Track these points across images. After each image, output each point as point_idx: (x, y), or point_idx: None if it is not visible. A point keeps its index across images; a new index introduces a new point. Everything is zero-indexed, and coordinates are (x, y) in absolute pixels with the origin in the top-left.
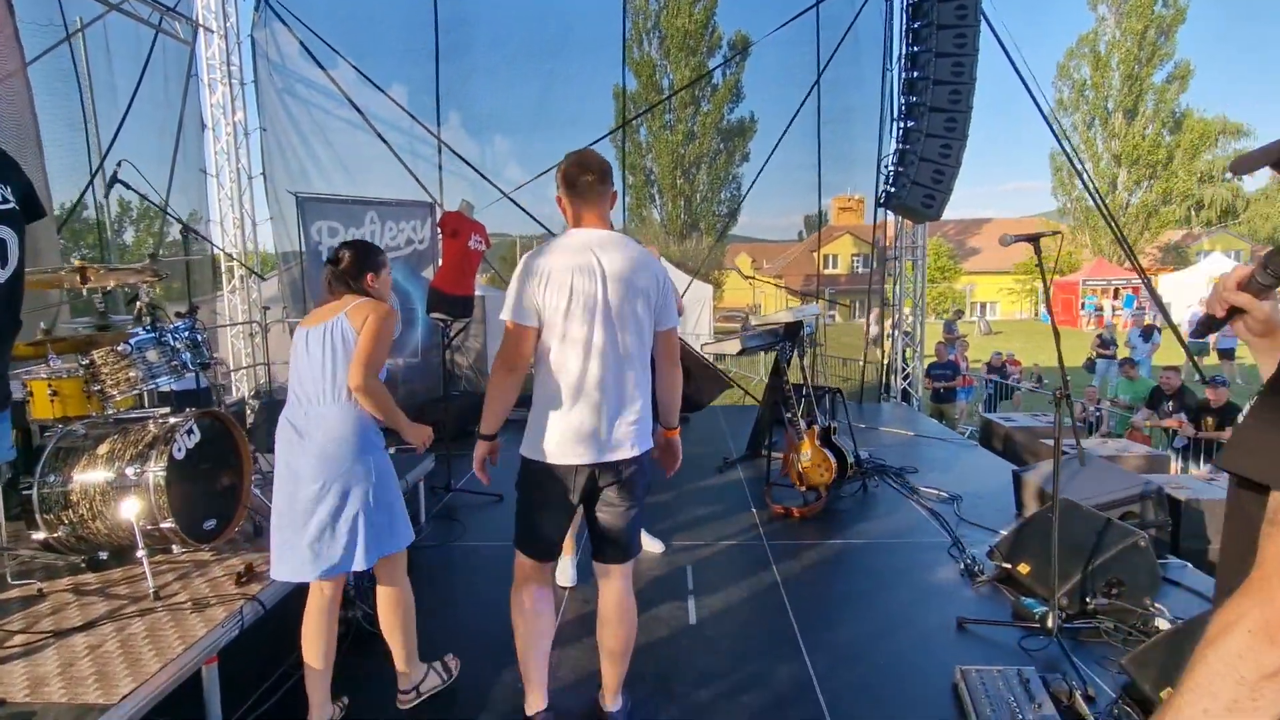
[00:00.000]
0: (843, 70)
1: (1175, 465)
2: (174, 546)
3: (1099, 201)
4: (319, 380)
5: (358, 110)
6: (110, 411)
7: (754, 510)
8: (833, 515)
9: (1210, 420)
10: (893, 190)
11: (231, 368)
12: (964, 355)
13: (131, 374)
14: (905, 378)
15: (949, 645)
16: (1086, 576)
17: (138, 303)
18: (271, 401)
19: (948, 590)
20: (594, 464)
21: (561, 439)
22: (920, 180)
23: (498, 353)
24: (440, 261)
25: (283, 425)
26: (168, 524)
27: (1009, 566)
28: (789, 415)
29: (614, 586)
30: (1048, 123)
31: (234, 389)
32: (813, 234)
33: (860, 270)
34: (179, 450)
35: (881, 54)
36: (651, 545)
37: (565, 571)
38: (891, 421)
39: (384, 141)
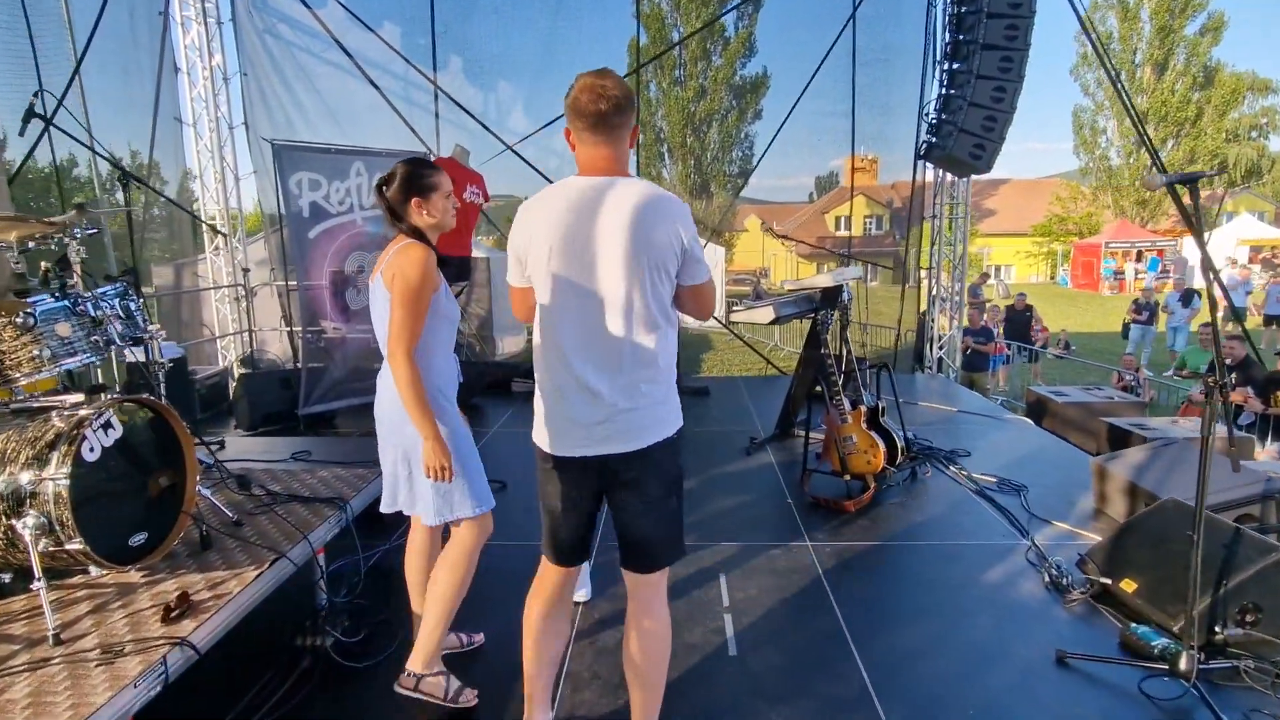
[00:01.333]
0: (880, 5)
1: (1266, 449)
2: (92, 568)
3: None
4: (382, 333)
5: (345, 52)
6: (19, 397)
7: (790, 502)
8: (883, 509)
9: None
10: (935, 140)
11: (216, 335)
12: (996, 321)
13: (36, 352)
14: (941, 346)
15: (1052, 687)
16: (1216, 601)
17: (43, 265)
18: (256, 373)
19: (1034, 610)
20: (596, 456)
21: (558, 424)
22: (969, 128)
23: None
24: None
25: None
26: (75, 544)
27: (1108, 582)
28: (832, 394)
29: (636, 599)
30: (1111, 78)
31: (220, 358)
32: (824, 194)
33: (874, 232)
34: (90, 450)
35: None
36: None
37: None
38: (929, 395)
39: (374, 85)
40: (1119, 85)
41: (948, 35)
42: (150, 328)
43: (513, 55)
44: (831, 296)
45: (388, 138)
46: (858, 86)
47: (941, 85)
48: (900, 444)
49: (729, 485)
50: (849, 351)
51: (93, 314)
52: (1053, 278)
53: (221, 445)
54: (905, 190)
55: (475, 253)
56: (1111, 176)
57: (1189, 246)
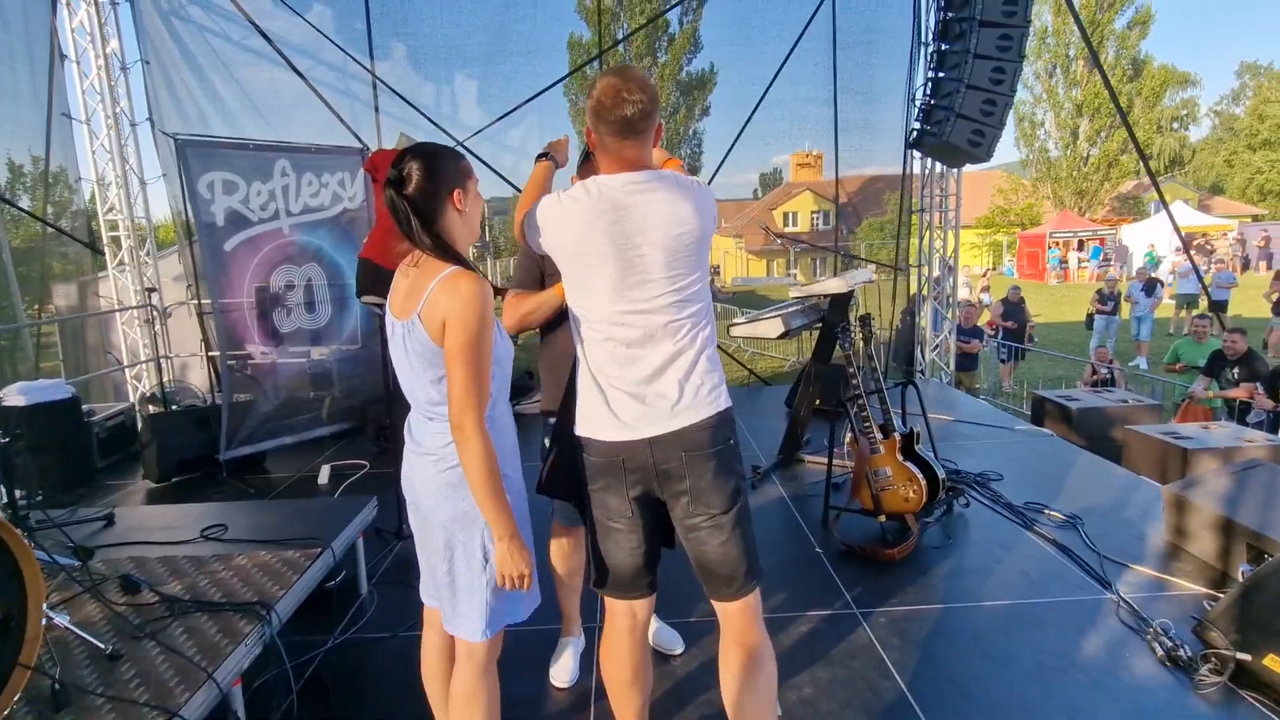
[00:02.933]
0: None
1: None
2: None
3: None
4: (413, 388)
5: (263, 35)
6: None
7: (819, 551)
8: (928, 556)
9: None
10: (928, 127)
11: (125, 364)
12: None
13: None
14: (935, 349)
15: None
16: None
17: None
18: (166, 413)
19: (1158, 699)
20: (645, 439)
21: (601, 406)
22: (966, 112)
23: None
24: (374, 223)
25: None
26: None
27: (1246, 658)
28: (861, 420)
29: (726, 627)
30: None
31: (129, 392)
32: (770, 191)
33: (821, 228)
34: None
35: None
36: (668, 642)
37: (565, 667)
38: (930, 404)
39: (296, 71)
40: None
41: (935, 14)
42: None
43: (461, 42)
44: (842, 304)
45: (323, 134)
46: (839, 71)
47: (930, 68)
48: (941, 475)
49: None
50: (876, 366)
51: None
52: (995, 268)
53: (109, 521)
54: (851, 185)
55: None
56: (1050, 168)
57: (1128, 234)
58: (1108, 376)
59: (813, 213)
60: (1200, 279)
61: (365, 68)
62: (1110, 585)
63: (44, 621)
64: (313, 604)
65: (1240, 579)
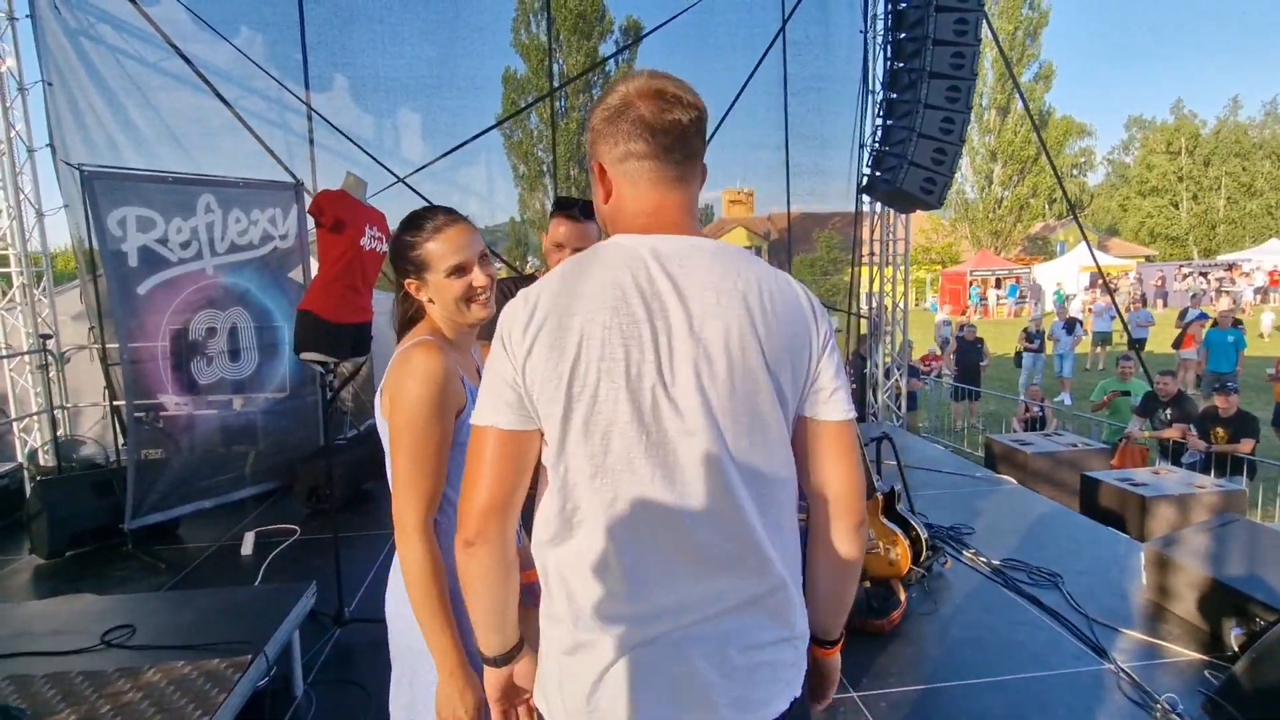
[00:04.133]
0: (811, 30)
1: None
2: None
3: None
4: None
5: (182, 57)
6: None
7: None
8: (917, 625)
9: (1222, 431)
10: (880, 174)
11: (12, 417)
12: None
13: None
14: (887, 390)
15: None
16: None
17: None
18: (59, 478)
19: None
20: None
21: (601, 693)
22: (919, 160)
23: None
24: (315, 270)
25: None
26: None
27: None
28: None
29: None
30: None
31: (16, 448)
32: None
33: None
34: None
35: (860, 12)
36: None
37: None
38: (887, 451)
39: (221, 99)
40: (1026, 103)
41: (883, 64)
42: None
43: (403, 74)
44: None
45: (252, 167)
46: (790, 117)
47: (879, 115)
48: (923, 535)
49: None
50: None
51: None
52: (918, 304)
53: None
54: (780, 222)
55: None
56: (968, 209)
57: (1039, 272)
58: (1040, 414)
59: (746, 248)
60: (1121, 316)
61: (299, 98)
62: (1106, 654)
63: None
64: (240, 712)
65: (1233, 643)
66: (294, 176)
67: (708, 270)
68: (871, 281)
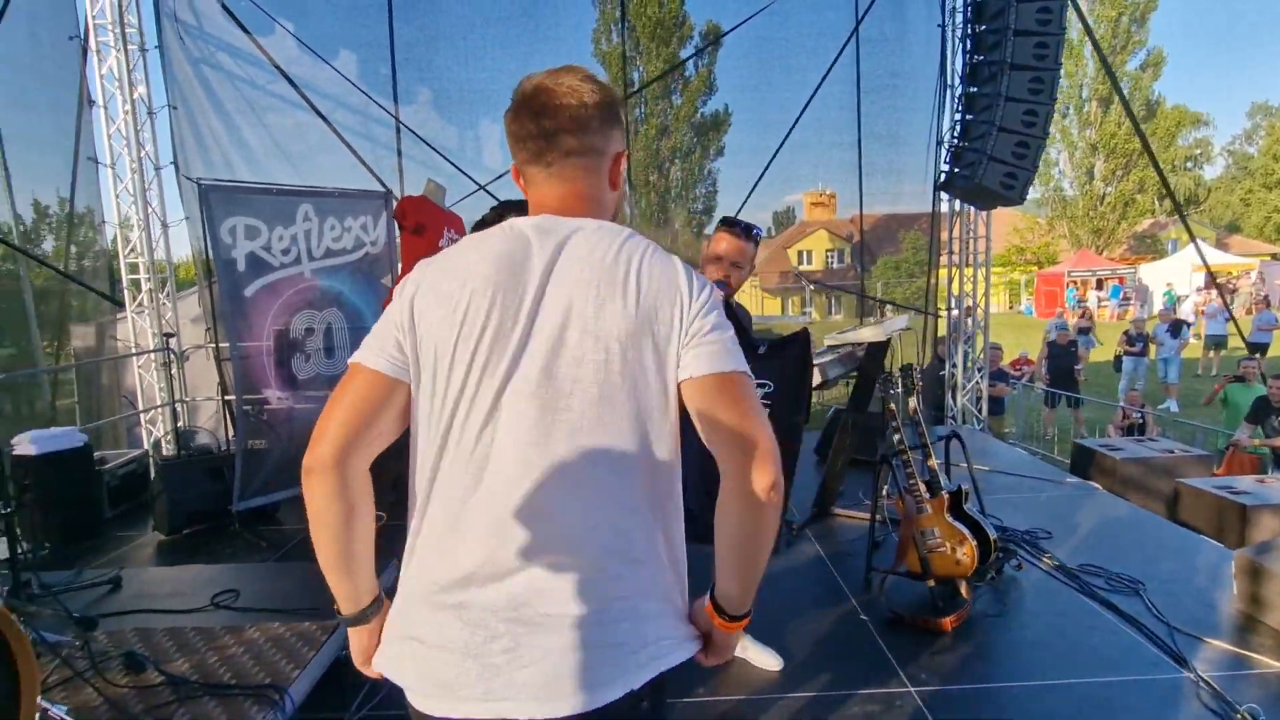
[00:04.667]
0: (885, 27)
1: None
2: None
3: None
4: None
5: (289, 81)
6: None
7: (865, 619)
8: (983, 625)
9: None
10: (959, 170)
11: (140, 409)
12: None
13: None
14: (966, 394)
15: None
16: None
17: None
18: (178, 462)
19: None
20: None
21: (429, 658)
22: (999, 155)
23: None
24: (400, 270)
25: None
26: None
27: None
28: (907, 477)
29: None
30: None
31: (143, 437)
32: (782, 230)
33: (835, 266)
34: None
35: (939, 6)
36: (766, 659)
37: None
38: (958, 451)
39: (320, 116)
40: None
41: (962, 58)
42: None
43: (484, 86)
44: (878, 354)
45: (348, 178)
46: (864, 115)
47: (958, 110)
48: (993, 536)
49: (779, 596)
50: (920, 420)
51: None
52: (1012, 307)
53: (116, 585)
54: (867, 223)
55: None
56: (1066, 207)
57: (1146, 273)
58: (1140, 421)
59: (827, 251)
60: (1233, 318)
61: (389, 112)
62: (1186, 662)
63: (38, 717)
64: (326, 675)
65: None
66: (384, 185)
67: (584, 246)
68: (950, 282)
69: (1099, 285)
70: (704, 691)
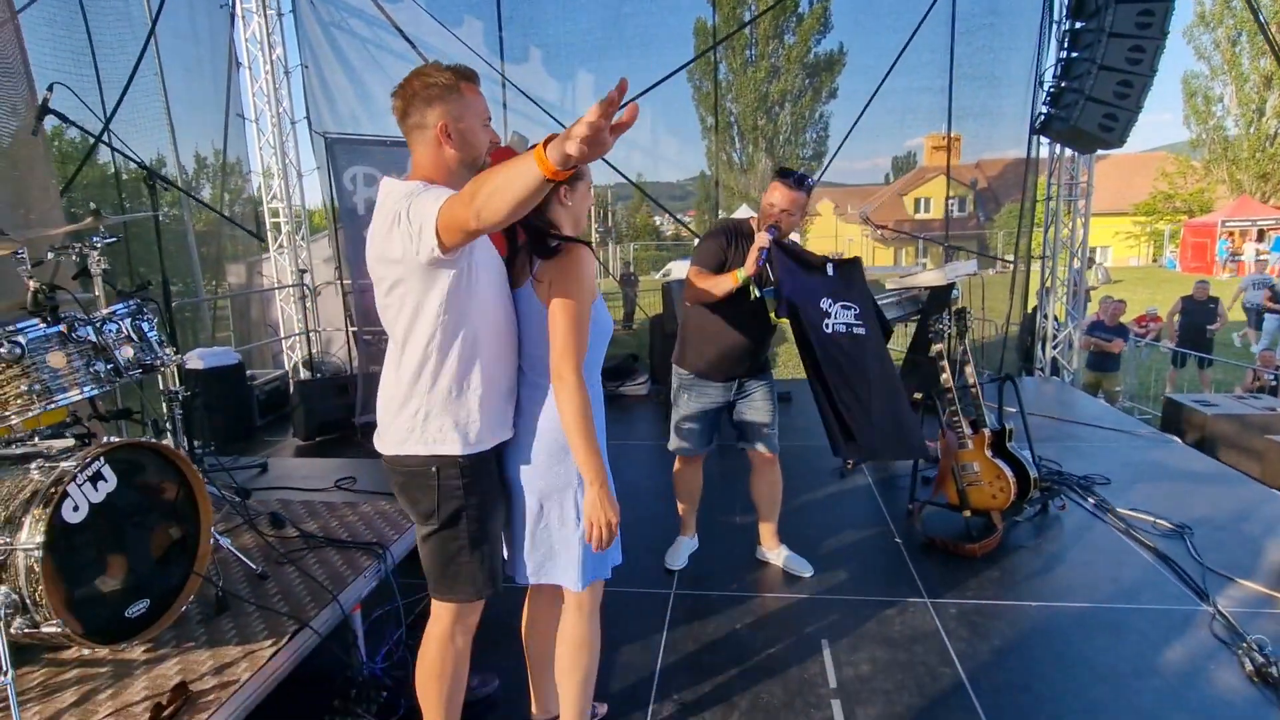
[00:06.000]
0: None
1: None
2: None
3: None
4: (534, 354)
5: (409, 42)
6: (18, 437)
7: (899, 542)
8: (1013, 555)
9: None
10: (1055, 111)
11: (281, 336)
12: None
13: (25, 387)
14: (1055, 345)
15: None
16: None
17: (32, 284)
18: (312, 380)
19: (1239, 712)
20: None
21: None
22: (1098, 95)
23: None
24: None
25: None
26: (53, 626)
27: None
28: (949, 413)
29: None
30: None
31: (285, 360)
32: (902, 175)
33: (956, 214)
34: (75, 509)
35: None
36: (797, 566)
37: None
38: (1045, 403)
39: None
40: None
41: None
42: (165, 352)
43: (580, 38)
44: (941, 296)
45: None
46: (957, 57)
47: (1062, 48)
48: (1033, 475)
49: (824, 519)
50: (968, 363)
51: (93, 340)
52: (1156, 260)
53: (264, 468)
54: (991, 169)
55: None
56: (1228, 148)
57: None
58: (1273, 384)
59: (948, 198)
60: None
61: (493, 66)
62: (1208, 597)
63: (211, 543)
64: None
65: None
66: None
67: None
68: (1047, 229)
69: (1260, 236)
70: (737, 587)
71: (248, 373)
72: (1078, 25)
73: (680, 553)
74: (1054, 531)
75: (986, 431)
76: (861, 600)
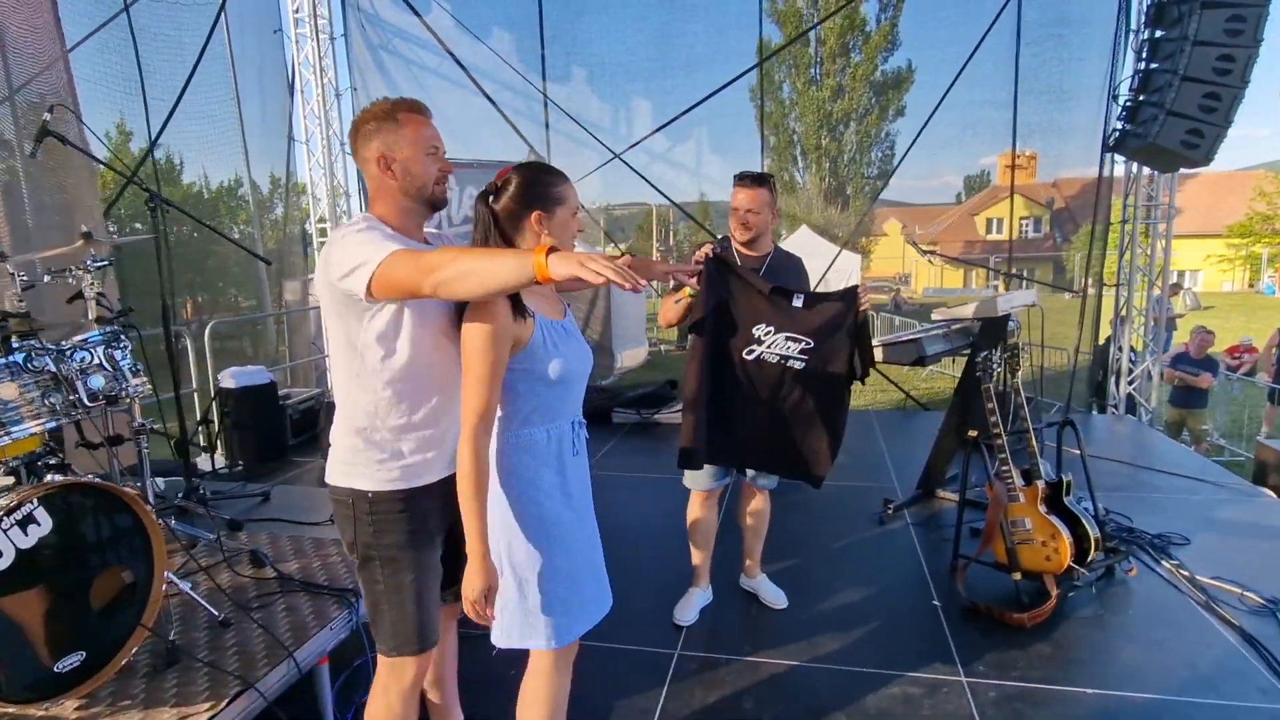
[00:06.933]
0: None
1: None
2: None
3: None
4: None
5: (453, 58)
6: None
7: (937, 604)
8: (1069, 626)
9: None
10: (1130, 128)
11: (325, 354)
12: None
13: None
14: (1131, 381)
15: None
16: None
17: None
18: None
19: None
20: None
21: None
22: (1180, 109)
23: None
24: None
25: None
26: None
27: None
28: (998, 461)
29: None
30: None
31: (328, 377)
32: (974, 195)
33: (1030, 235)
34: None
35: None
36: (772, 598)
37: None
38: (1117, 445)
39: (480, 88)
40: None
41: None
42: (133, 383)
43: (625, 57)
44: (995, 329)
45: (504, 150)
46: (1023, 70)
47: (1140, 59)
48: (1094, 534)
49: (857, 570)
50: (1022, 403)
51: (53, 370)
52: (1252, 285)
53: (266, 497)
54: (1070, 189)
55: None
56: None
57: None
58: None
59: (1021, 219)
60: None
61: (535, 85)
62: None
63: (165, 588)
64: None
65: None
66: (540, 156)
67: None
68: (1122, 255)
69: None
70: (750, 650)
71: (282, 391)
72: (1157, 34)
73: (691, 606)
74: (1119, 601)
75: (1041, 484)
76: (889, 674)
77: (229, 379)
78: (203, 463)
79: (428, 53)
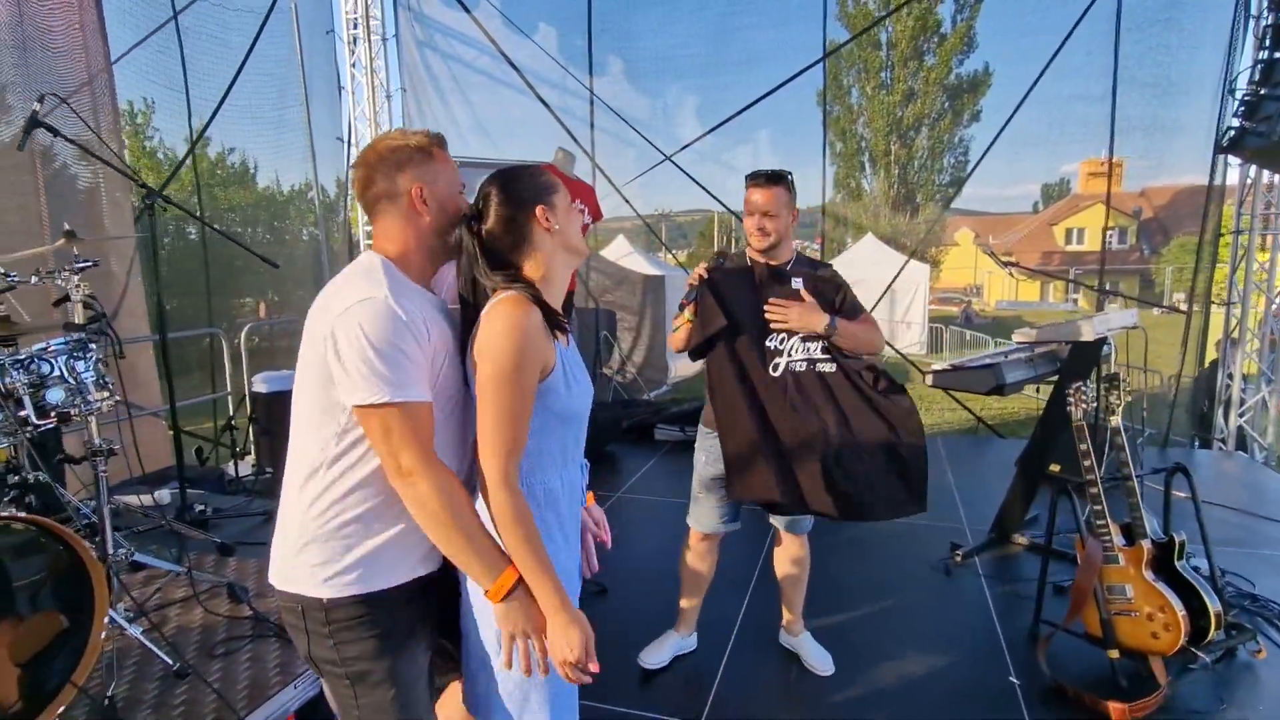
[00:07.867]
0: None
1: None
2: None
3: None
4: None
5: (501, 53)
6: None
7: (1014, 681)
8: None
9: None
10: (1250, 125)
11: None
12: None
13: None
14: (1243, 412)
15: None
16: None
17: None
18: None
19: None
20: None
21: None
22: None
23: None
24: None
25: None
26: None
27: None
28: (1094, 514)
29: None
30: None
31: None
32: (1052, 204)
33: (1115, 246)
34: None
35: None
36: (818, 663)
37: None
38: (1227, 488)
39: (532, 89)
40: None
41: None
42: (93, 399)
43: (677, 53)
44: (1087, 355)
45: (539, 151)
46: (1123, 58)
47: (1262, 46)
48: (1214, 608)
49: (918, 631)
50: (1123, 444)
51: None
52: None
53: (268, 518)
54: (1160, 197)
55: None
56: None
57: None
58: None
59: (1105, 229)
60: None
61: (582, 83)
62: None
63: (103, 635)
64: None
65: None
66: (589, 155)
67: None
68: (1233, 268)
69: None
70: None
71: None
72: None
73: (664, 650)
74: (1244, 691)
75: (1146, 544)
76: None
77: (260, 383)
78: (232, 469)
79: (467, 48)
